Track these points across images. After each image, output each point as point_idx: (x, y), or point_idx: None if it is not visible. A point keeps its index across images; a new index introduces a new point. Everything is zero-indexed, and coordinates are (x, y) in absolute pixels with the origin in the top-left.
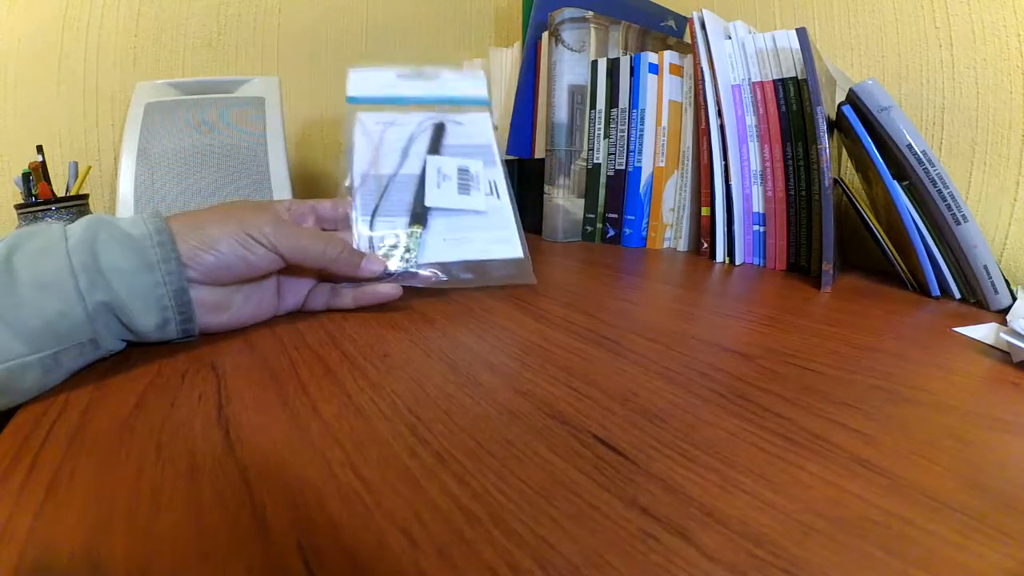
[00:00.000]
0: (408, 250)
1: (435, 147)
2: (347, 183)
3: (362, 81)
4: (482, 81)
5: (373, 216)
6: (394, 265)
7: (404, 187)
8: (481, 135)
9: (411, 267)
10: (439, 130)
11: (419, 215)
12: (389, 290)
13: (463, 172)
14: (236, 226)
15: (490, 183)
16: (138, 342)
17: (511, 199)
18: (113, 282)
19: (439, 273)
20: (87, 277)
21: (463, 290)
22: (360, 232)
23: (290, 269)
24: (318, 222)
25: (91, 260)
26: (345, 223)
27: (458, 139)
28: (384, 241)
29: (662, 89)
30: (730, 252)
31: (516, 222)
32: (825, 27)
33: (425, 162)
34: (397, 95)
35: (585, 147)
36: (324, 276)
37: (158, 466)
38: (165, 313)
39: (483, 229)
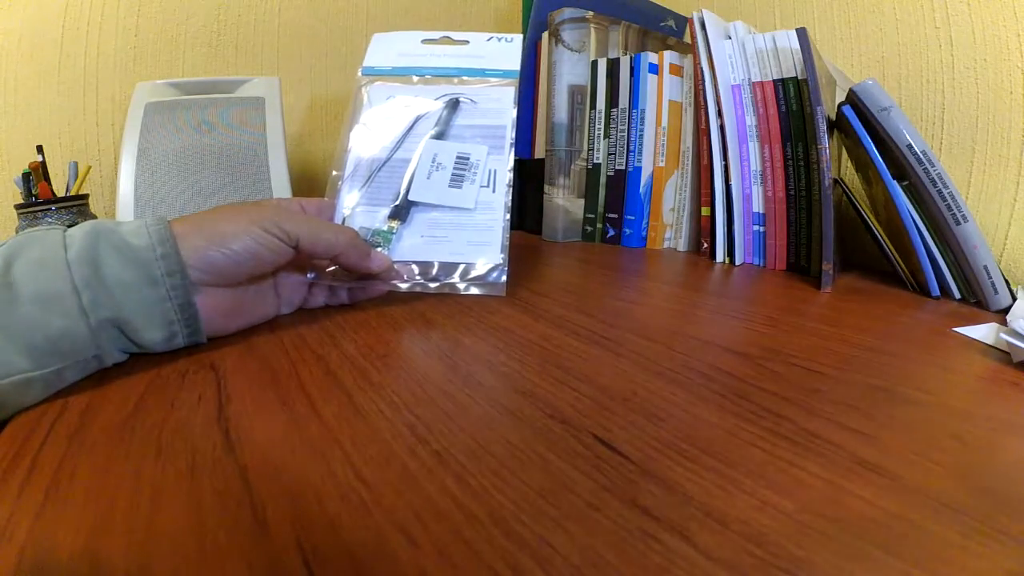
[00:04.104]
0: (378, 247)
1: (444, 127)
2: (341, 164)
3: (382, 49)
4: (515, 49)
5: (356, 203)
6: None
7: (396, 173)
8: (498, 115)
9: None
10: (452, 108)
11: (401, 208)
12: (381, 286)
13: (461, 160)
14: (247, 222)
15: (490, 173)
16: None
17: (507, 194)
18: (117, 297)
19: (404, 275)
20: (90, 293)
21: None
22: (341, 217)
23: (288, 267)
24: None
25: (94, 274)
26: None
27: (471, 119)
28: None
29: (662, 89)
30: (730, 252)
31: (504, 221)
32: (825, 27)
33: (424, 146)
34: (416, 65)
35: (585, 147)
36: (318, 268)
37: (158, 466)
38: (172, 327)
39: (465, 229)
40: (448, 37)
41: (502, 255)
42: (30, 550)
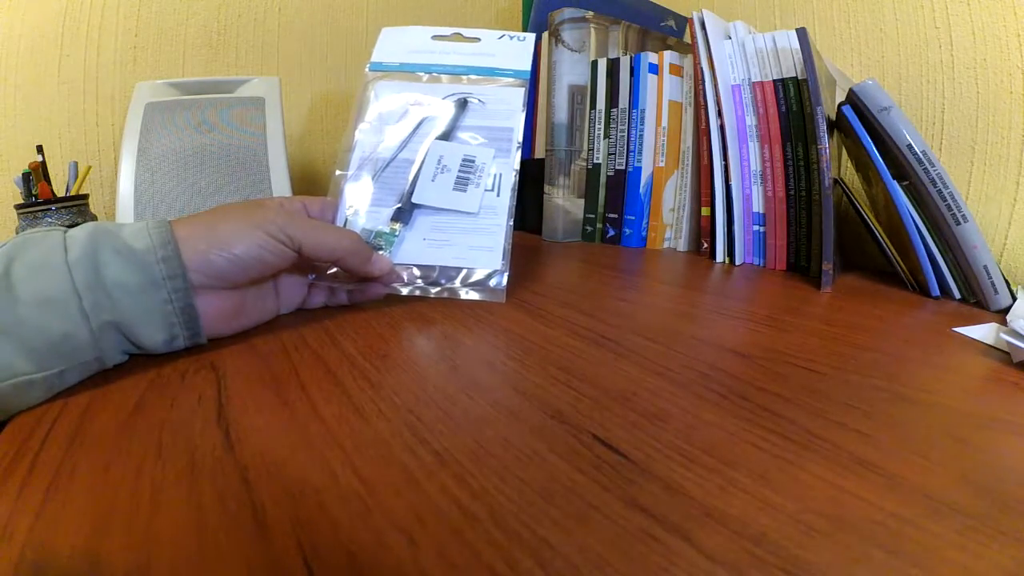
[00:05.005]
0: (380, 249)
1: (451, 128)
2: (345, 162)
3: (391, 44)
4: (527, 48)
5: (359, 204)
6: None
7: (401, 173)
8: (506, 116)
9: None
10: (460, 108)
11: (404, 210)
12: (380, 288)
13: (467, 163)
14: (250, 225)
15: (495, 176)
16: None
17: (512, 198)
18: (118, 300)
19: (405, 278)
20: (91, 296)
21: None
22: (344, 218)
23: (290, 268)
24: None
25: (95, 277)
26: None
27: (478, 120)
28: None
29: (662, 89)
30: (730, 252)
31: (507, 226)
32: (825, 27)
33: (429, 148)
34: (425, 63)
35: (585, 147)
36: (318, 270)
37: (158, 466)
38: (173, 330)
39: (468, 233)
40: (459, 34)
41: (503, 261)
42: (30, 550)
